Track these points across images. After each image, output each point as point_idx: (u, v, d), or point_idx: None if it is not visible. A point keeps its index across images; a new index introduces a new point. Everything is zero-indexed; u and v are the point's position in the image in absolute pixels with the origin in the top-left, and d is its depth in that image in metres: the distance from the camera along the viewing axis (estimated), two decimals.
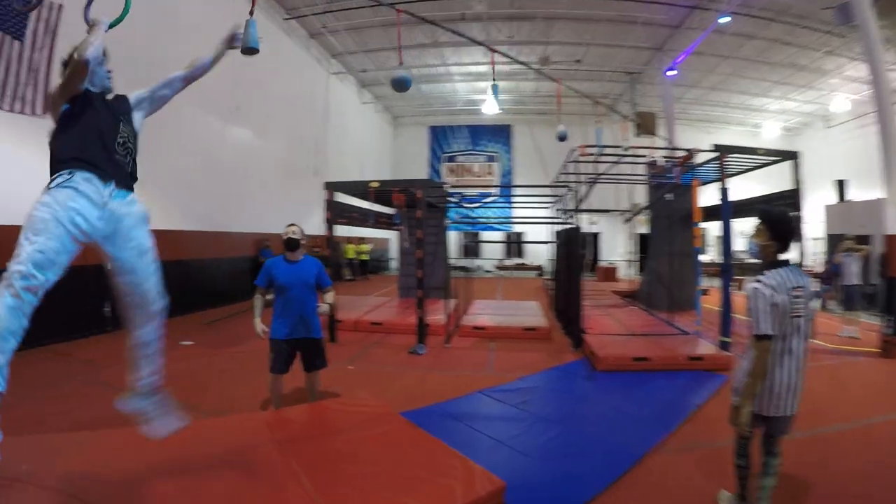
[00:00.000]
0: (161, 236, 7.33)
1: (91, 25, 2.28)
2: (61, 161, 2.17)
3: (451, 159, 26.19)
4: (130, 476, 2.70)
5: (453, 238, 18.24)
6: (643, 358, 6.54)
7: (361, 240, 20.23)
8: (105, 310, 8.44)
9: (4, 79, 6.92)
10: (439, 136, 26.25)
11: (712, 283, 12.72)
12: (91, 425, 3.99)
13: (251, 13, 3.73)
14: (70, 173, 2.10)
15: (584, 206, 9.18)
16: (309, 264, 4.42)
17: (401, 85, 6.64)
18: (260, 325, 4.24)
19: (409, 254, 11.54)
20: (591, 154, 8.97)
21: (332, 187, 8.88)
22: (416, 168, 24.85)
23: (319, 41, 17.10)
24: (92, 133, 2.24)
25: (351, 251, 19.24)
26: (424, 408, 4.83)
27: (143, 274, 2.39)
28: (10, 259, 1.92)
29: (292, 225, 4.44)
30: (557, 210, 11.10)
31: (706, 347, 7.04)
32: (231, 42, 2.97)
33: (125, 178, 2.34)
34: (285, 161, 15.18)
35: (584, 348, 7.34)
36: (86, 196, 2.09)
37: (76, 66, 2.17)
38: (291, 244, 4.36)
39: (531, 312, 10.44)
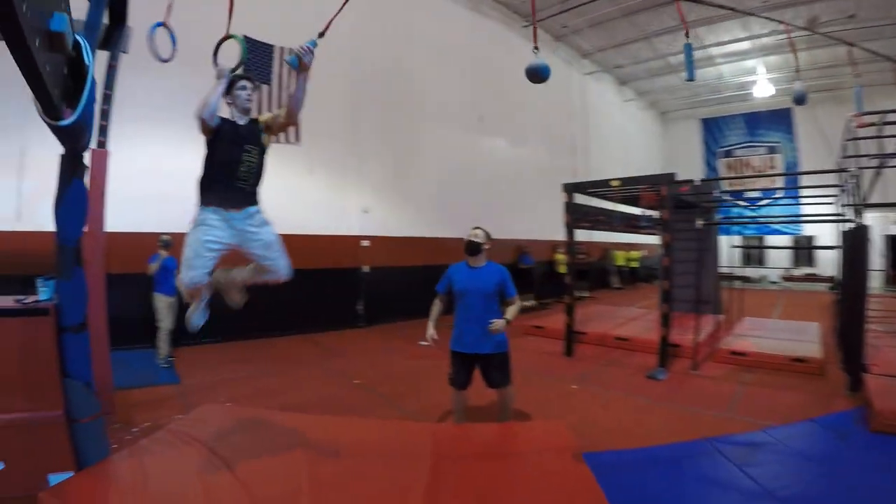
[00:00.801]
0: (420, 243, 10.55)
1: (217, 78, 3.00)
2: (200, 199, 3.03)
3: (727, 154, 22.80)
4: (282, 455, 3.34)
5: (730, 242, 15.85)
6: None
7: (631, 246, 18.93)
8: (357, 308, 9.68)
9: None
10: (712, 129, 23.20)
11: None
12: (296, 407, 4.99)
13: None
14: (202, 212, 2.99)
15: (872, 199, 6.61)
16: (491, 271, 4.09)
17: (536, 74, 4.82)
18: (431, 331, 4.02)
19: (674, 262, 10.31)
20: (872, 125, 6.23)
21: (570, 188, 8.11)
22: (691, 166, 22.13)
23: (566, 42, 16.63)
24: (220, 170, 3.00)
25: (620, 258, 18.20)
26: (624, 450, 4.06)
27: (273, 257, 3.17)
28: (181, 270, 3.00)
29: (476, 228, 4.18)
30: (842, 206, 8.26)
31: None
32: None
33: (245, 200, 3.09)
34: (541, 166, 15.27)
35: (863, 393, 5.19)
36: (214, 226, 2.98)
37: (198, 121, 2.92)
38: (472, 248, 4.08)
39: (807, 337, 8.33)
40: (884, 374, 5.50)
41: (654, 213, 9.95)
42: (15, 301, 3.23)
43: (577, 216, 8.35)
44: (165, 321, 6.87)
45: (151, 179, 7.46)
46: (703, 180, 7.57)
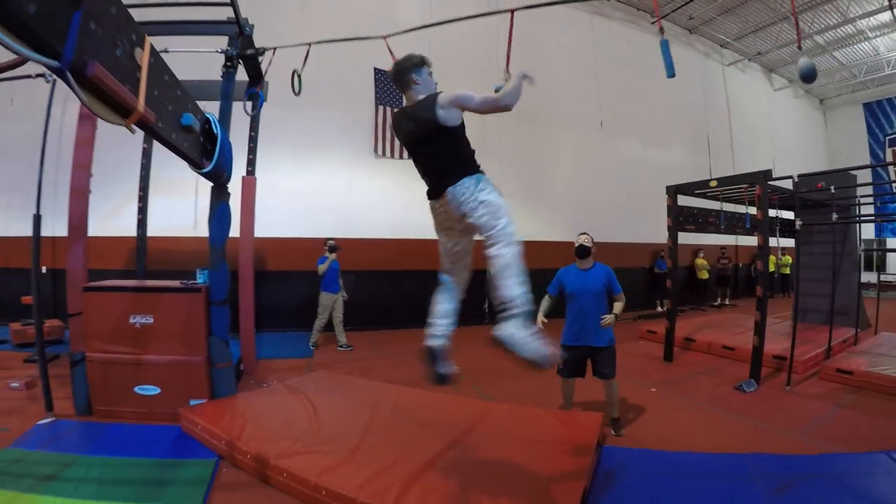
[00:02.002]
0: (549, 247, 9.57)
1: (514, 76, 2.68)
2: (476, 168, 2.73)
3: (894, 142, 19.62)
4: (355, 407, 4.60)
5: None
6: None
7: (784, 251, 17.43)
8: (483, 307, 10.84)
9: (382, 134, 10.09)
10: (877, 114, 20.11)
11: None
12: (392, 381, 5.83)
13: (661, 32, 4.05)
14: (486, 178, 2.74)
15: None
16: (598, 272, 4.54)
17: (809, 76, 4.41)
18: (540, 319, 4.46)
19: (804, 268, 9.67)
20: None
21: (672, 191, 8.21)
22: (857, 156, 19.85)
23: (700, 34, 16.07)
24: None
25: (770, 263, 16.88)
26: (652, 450, 4.19)
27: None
28: (501, 231, 2.56)
29: (583, 234, 4.66)
30: None
31: None
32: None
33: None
34: (677, 167, 14.67)
35: None
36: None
37: (502, 109, 2.64)
38: (581, 252, 4.57)
39: None
40: None
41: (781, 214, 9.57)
42: (180, 283, 4.94)
43: (682, 219, 8.42)
44: (324, 316, 8.01)
45: (297, 195, 9.60)
46: (800, 176, 6.92)
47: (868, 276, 19.08)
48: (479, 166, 2.71)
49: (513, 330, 2.50)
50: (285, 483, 3.36)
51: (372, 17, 10.42)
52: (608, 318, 4.30)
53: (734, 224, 9.59)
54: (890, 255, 19.34)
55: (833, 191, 7.62)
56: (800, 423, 5.12)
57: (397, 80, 2.86)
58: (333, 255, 7.87)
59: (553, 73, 12.26)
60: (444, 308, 3.05)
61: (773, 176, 6.90)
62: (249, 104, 5.50)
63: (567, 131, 12.86)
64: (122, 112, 2.38)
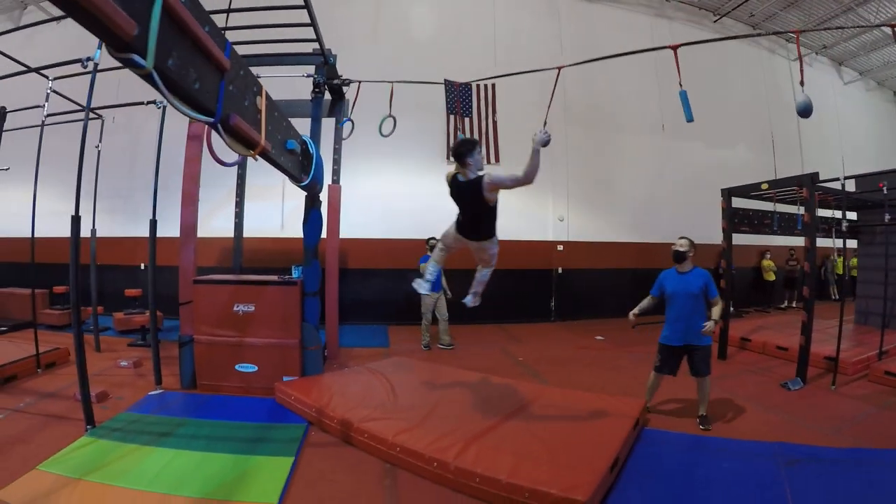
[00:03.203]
0: (612, 248, 12.73)
1: (533, 150, 3.43)
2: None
3: None
4: (425, 386, 5.48)
5: None
6: None
7: (855, 252, 16.92)
8: (550, 304, 11.41)
9: (452, 141, 10.76)
10: None
11: None
12: (460, 367, 6.61)
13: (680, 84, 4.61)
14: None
15: None
16: (696, 276, 4.85)
17: (805, 112, 4.64)
18: (632, 312, 5.00)
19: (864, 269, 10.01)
20: None
21: (726, 193, 8.59)
22: None
23: (765, 29, 15.62)
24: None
25: (839, 266, 16.53)
26: (685, 433, 4.75)
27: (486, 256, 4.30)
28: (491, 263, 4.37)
29: (682, 238, 4.97)
30: None
31: None
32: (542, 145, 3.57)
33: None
34: (744, 167, 14.47)
35: None
36: None
37: (525, 184, 3.55)
38: (677, 256, 4.91)
39: None
40: None
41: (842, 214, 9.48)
42: (278, 277, 5.88)
43: (737, 220, 8.81)
44: (428, 315, 8.35)
45: (375, 199, 10.73)
46: (847, 177, 6.95)
47: None
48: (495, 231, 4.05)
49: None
50: (366, 443, 4.11)
51: (438, 36, 11.33)
52: (709, 325, 4.58)
53: (790, 226, 9.66)
54: None
55: (885, 191, 7.73)
56: (836, 420, 5.28)
57: (456, 157, 3.82)
58: None
59: (614, 77, 12.62)
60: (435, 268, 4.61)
61: (828, 177, 7.06)
62: (344, 130, 6.56)
63: (629, 134, 13.15)
64: (250, 145, 3.19)
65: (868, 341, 8.07)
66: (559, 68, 5.03)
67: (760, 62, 15.87)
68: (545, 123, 4.41)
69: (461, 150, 3.77)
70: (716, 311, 4.76)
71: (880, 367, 6.84)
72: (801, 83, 4.33)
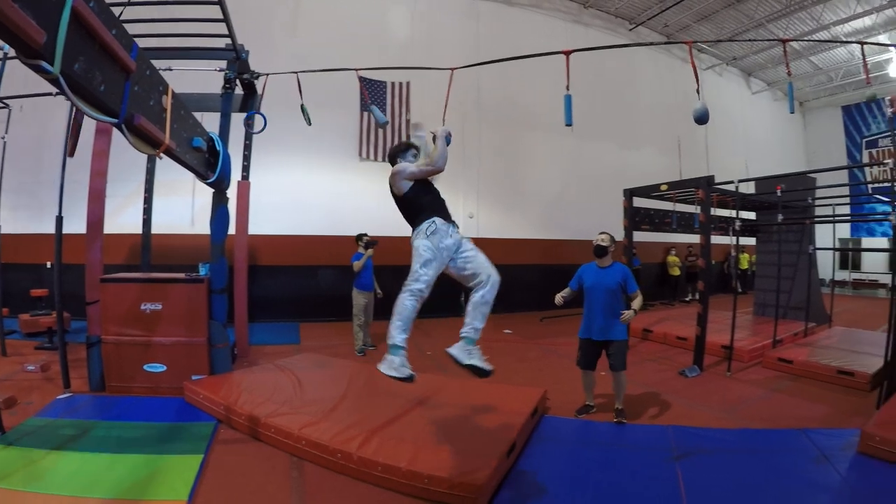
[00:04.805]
0: (523, 245, 13.02)
1: (437, 138, 3.48)
2: (431, 212, 3.50)
3: (872, 143, 20.52)
4: (331, 381, 5.71)
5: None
6: None
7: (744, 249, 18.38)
8: (460, 300, 11.77)
9: (366, 138, 11.25)
10: (855, 117, 21.05)
11: None
12: (372, 363, 6.66)
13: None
14: (433, 222, 3.43)
15: None
16: (616, 271, 4.95)
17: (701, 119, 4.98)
18: (560, 295, 5.04)
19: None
20: None
21: (628, 193, 9.30)
22: (834, 157, 20.78)
23: (678, 39, 16.66)
24: (439, 199, 3.64)
25: (744, 261, 17.87)
26: (582, 419, 5.12)
27: (477, 265, 3.53)
28: (409, 278, 3.34)
29: (603, 233, 5.08)
30: None
31: None
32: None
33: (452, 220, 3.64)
34: (651, 168, 15.14)
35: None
36: (447, 235, 3.44)
37: (435, 172, 3.51)
38: (598, 251, 5.01)
39: (877, 350, 7.62)
40: None
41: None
42: (185, 275, 5.90)
43: (638, 219, 9.55)
44: (360, 316, 7.92)
45: (285, 195, 10.67)
46: (740, 180, 7.64)
47: (843, 275, 20.30)
48: (426, 219, 3.48)
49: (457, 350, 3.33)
50: (273, 437, 4.30)
51: (356, 33, 11.41)
52: (627, 314, 4.73)
53: (689, 224, 10.40)
54: (865, 255, 20.46)
55: (780, 194, 8.56)
56: (730, 403, 5.77)
57: (390, 160, 3.83)
58: (370, 252, 7.80)
59: (528, 79, 13.05)
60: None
61: (731, 180, 7.66)
62: (253, 125, 6.44)
63: (541, 134, 13.67)
64: (154, 144, 3.26)
65: (764, 331, 8.79)
66: (452, 70, 5.39)
67: (672, 70, 16.88)
68: (444, 122, 4.60)
69: (393, 153, 3.83)
70: (636, 303, 4.85)
71: (774, 354, 7.58)
72: (698, 91, 4.80)
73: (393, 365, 3.20)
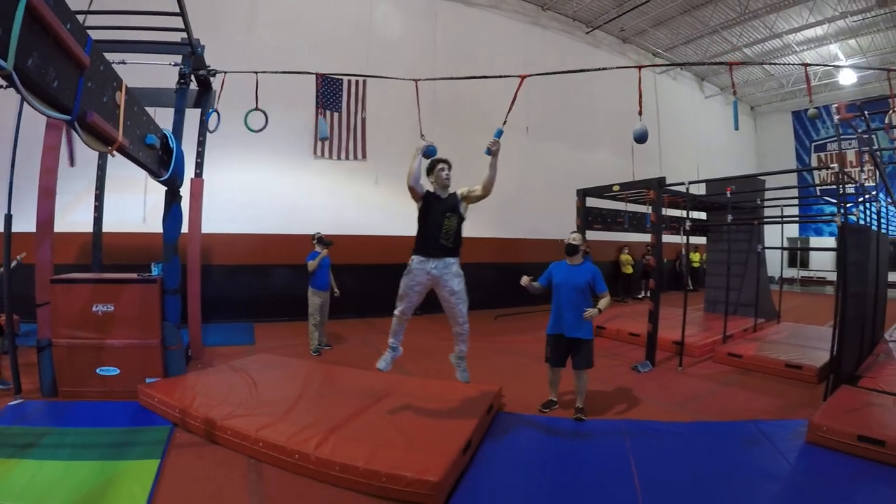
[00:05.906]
0: (481, 244, 12.58)
1: (414, 155, 4.27)
2: (416, 245, 4.31)
3: (820, 148, 21.60)
4: (288, 380, 5.78)
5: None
6: (876, 440, 4.17)
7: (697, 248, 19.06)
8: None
9: (335, 139, 11.11)
10: (805, 122, 22.03)
11: None
12: (327, 362, 7.22)
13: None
14: (411, 260, 4.29)
15: None
16: (585, 270, 5.04)
17: (640, 139, 5.37)
18: (525, 278, 5.06)
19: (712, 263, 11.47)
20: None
21: (581, 193, 9.53)
22: (784, 160, 21.75)
23: (634, 43, 17.31)
24: (427, 230, 4.25)
25: (696, 259, 18.48)
26: (536, 415, 5.23)
27: (455, 304, 4.44)
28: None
29: (574, 232, 5.26)
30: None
31: None
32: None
33: (445, 252, 4.29)
34: (604, 169, 15.58)
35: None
36: (419, 271, 4.26)
37: (409, 190, 4.23)
38: (570, 249, 5.12)
39: (824, 345, 7.74)
40: (871, 389, 5.46)
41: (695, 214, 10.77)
42: (138, 275, 5.78)
43: (590, 218, 9.81)
44: (316, 316, 7.84)
45: (239, 192, 10.53)
46: (691, 182, 7.98)
47: (791, 272, 21.22)
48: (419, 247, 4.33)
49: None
50: (229, 440, 4.27)
51: (314, 29, 11.35)
52: (590, 312, 4.77)
53: (640, 224, 10.82)
54: (813, 253, 21.39)
55: (729, 195, 8.94)
56: (682, 397, 6.00)
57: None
58: (325, 251, 7.78)
59: (483, 80, 13.17)
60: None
61: (682, 181, 8.01)
62: (210, 123, 6.48)
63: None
64: (107, 141, 3.23)
65: (714, 327, 9.12)
66: (416, 81, 5.56)
67: (629, 74, 17.01)
68: (421, 133, 4.92)
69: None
70: (602, 303, 4.93)
71: (724, 349, 7.88)
72: (640, 114, 5.16)
73: (381, 359, 4.58)
